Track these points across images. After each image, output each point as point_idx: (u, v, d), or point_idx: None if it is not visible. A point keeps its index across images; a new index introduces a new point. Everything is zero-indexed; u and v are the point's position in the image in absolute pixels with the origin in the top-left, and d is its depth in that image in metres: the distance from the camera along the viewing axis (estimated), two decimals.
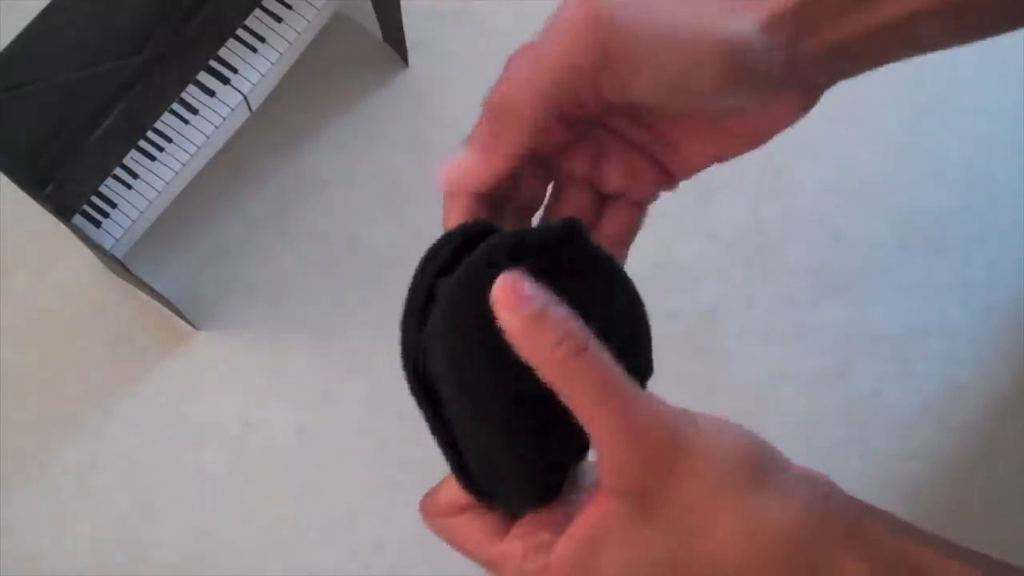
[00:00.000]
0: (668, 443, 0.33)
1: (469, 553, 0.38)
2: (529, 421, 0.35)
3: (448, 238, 0.38)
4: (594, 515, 0.35)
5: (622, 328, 0.36)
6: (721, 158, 0.40)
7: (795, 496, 0.34)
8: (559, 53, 0.36)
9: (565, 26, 0.36)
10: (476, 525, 0.38)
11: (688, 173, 0.41)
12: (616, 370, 0.33)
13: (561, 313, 0.33)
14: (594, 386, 0.33)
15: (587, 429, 0.34)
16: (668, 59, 0.35)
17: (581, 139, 0.40)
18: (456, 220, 0.39)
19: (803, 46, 0.36)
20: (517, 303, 0.33)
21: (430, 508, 0.39)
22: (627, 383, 0.33)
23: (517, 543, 0.36)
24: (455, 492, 0.38)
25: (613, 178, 0.40)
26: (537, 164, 0.40)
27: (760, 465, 0.34)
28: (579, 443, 0.36)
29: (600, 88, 0.36)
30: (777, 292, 0.88)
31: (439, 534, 0.39)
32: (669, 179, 0.41)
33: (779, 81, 0.37)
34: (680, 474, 0.33)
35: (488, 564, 0.38)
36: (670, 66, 0.35)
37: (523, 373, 0.34)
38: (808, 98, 0.39)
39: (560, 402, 0.34)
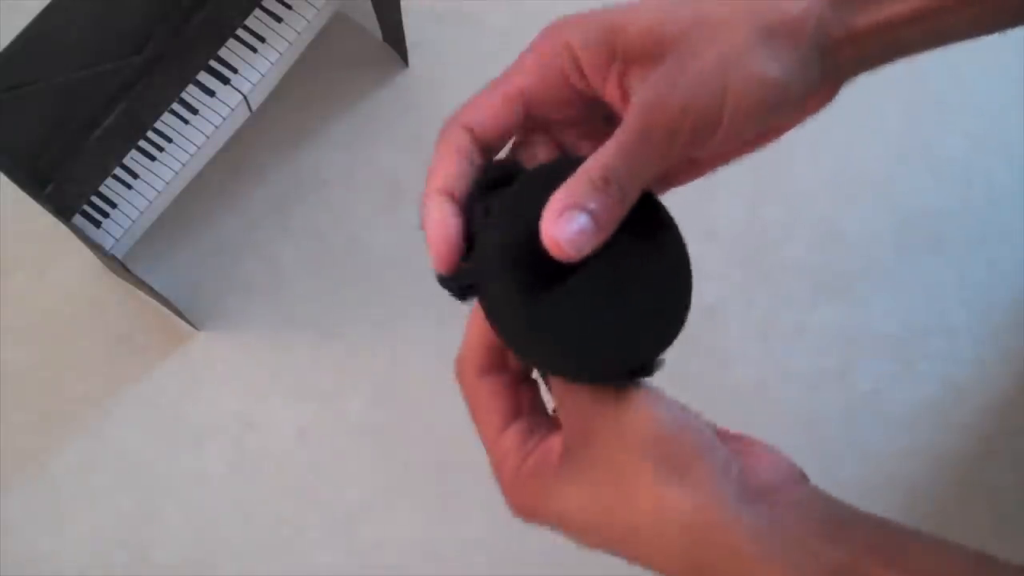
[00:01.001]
0: (586, 413, 0.36)
1: (479, 430, 0.40)
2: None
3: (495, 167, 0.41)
4: (544, 450, 0.37)
5: (664, 269, 0.39)
6: (735, 159, 0.41)
7: (706, 491, 0.35)
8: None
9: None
10: (493, 403, 0.39)
11: (699, 175, 0.42)
12: None
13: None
14: None
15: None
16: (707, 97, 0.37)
17: (589, 122, 0.41)
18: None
19: (856, 21, 0.37)
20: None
21: (461, 366, 0.40)
22: None
23: (509, 440, 0.38)
24: (479, 349, 0.40)
25: None
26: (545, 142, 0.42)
27: (673, 456, 0.35)
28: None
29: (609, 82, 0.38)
30: (777, 292, 0.88)
31: (465, 397, 0.40)
32: (668, 186, 0.42)
33: (824, 59, 0.37)
34: (595, 444, 0.36)
35: (486, 449, 0.40)
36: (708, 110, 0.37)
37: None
38: (834, 88, 0.40)
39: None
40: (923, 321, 0.88)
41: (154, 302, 0.84)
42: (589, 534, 0.37)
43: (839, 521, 0.36)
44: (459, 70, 0.91)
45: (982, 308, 0.89)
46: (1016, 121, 0.93)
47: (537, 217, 0.36)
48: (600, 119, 0.41)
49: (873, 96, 0.93)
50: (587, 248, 0.35)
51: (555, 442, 0.37)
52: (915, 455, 0.85)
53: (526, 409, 0.39)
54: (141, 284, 0.77)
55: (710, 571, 0.35)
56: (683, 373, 0.84)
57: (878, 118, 0.93)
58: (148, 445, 0.83)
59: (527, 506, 0.38)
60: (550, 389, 0.37)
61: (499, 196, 0.38)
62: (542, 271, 0.36)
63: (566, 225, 0.35)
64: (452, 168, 0.40)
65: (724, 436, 0.39)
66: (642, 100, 0.37)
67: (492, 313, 0.37)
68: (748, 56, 0.37)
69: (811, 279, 0.89)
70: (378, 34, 0.90)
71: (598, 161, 0.36)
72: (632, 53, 0.38)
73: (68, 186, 0.78)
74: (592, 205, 0.35)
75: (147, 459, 0.83)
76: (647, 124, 0.37)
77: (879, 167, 0.92)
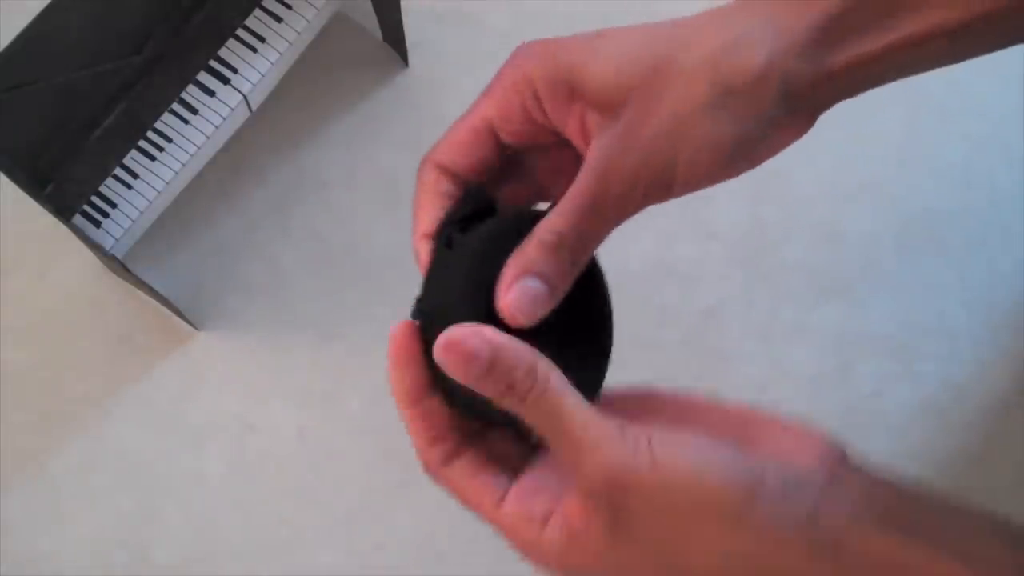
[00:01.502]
0: (616, 474, 0.34)
1: (474, 512, 0.39)
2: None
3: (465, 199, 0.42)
4: (573, 511, 0.36)
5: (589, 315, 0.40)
6: (714, 183, 0.41)
7: (773, 528, 0.34)
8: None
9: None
10: (474, 483, 0.39)
11: (675, 196, 0.41)
12: (567, 399, 0.35)
13: (508, 361, 0.34)
14: (548, 414, 0.35)
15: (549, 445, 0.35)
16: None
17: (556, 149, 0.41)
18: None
19: (827, 63, 0.37)
20: (465, 362, 0.35)
21: (426, 468, 0.41)
22: (578, 412, 0.34)
23: (512, 511, 0.37)
24: (432, 444, 0.40)
25: None
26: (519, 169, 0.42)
27: (734, 500, 0.34)
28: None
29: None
30: (777, 292, 0.88)
31: (446, 490, 0.40)
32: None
33: (794, 103, 0.37)
34: (634, 510, 0.34)
35: (491, 525, 0.39)
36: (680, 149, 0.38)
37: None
38: (810, 120, 0.39)
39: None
40: (923, 322, 0.88)
41: (154, 302, 0.84)
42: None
43: (892, 515, 0.35)
44: (459, 70, 0.91)
45: (982, 309, 0.89)
46: (1017, 123, 0.93)
47: (490, 278, 0.37)
48: (569, 151, 0.41)
49: (873, 97, 0.93)
50: (539, 313, 0.36)
51: (571, 506, 0.36)
52: (915, 455, 0.85)
53: (504, 477, 0.39)
54: (141, 284, 0.77)
55: None
56: (683, 373, 0.85)
57: (878, 119, 0.93)
58: (148, 445, 0.83)
59: (571, 564, 0.37)
60: (560, 455, 0.36)
61: (460, 243, 0.39)
62: (487, 319, 0.37)
63: (520, 294, 0.36)
64: (432, 212, 0.41)
65: (746, 421, 0.38)
66: (596, 160, 0.37)
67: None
68: (702, 116, 0.37)
69: (811, 279, 0.89)
70: (378, 34, 0.90)
71: (551, 225, 0.37)
72: (591, 98, 0.38)
73: (68, 186, 0.78)
74: (544, 270, 0.36)
75: (147, 459, 0.83)
76: (600, 189, 0.37)
77: (879, 168, 0.92)
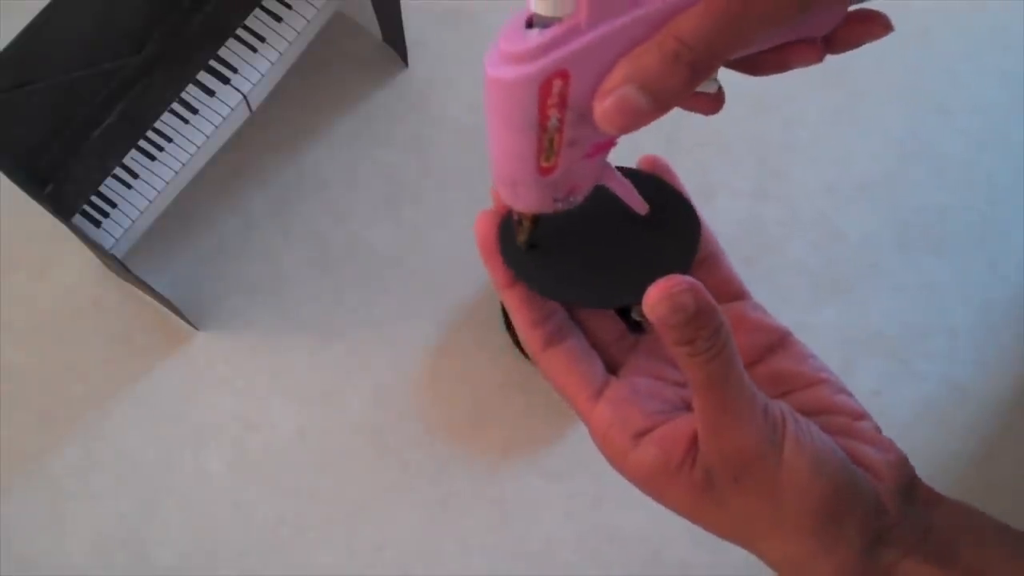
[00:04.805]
0: (745, 455, 0.35)
1: (569, 401, 0.39)
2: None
3: None
4: (680, 447, 0.36)
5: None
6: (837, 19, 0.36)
7: (843, 548, 0.36)
8: None
9: None
10: (572, 371, 0.39)
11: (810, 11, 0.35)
12: (733, 371, 0.35)
13: (705, 318, 0.34)
14: (709, 376, 0.34)
15: (693, 395, 0.36)
16: None
17: None
18: None
19: None
20: (670, 303, 0.34)
21: (528, 345, 0.40)
22: (736, 386, 0.35)
23: (607, 411, 0.38)
24: (529, 329, 0.40)
25: None
26: None
27: (827, 512, 0.36)
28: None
29: None
30: (777, 292, 0.88)
31: (544, 374, 0.40)
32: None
33: None
34: (743, 486, 0.36)
35: (579, 416, 0.39)
36: None
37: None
38: None
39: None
40: (923, 321, 0.88)
41: (154, 302, 0.84)
42: (719, 533, 0.38)
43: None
44: (459, 70, 0.91)
45: (982, 308, 0.89)
46: (1017, 121, 0.93)
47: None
48: None
49: (874, 97, 0.93)
50: (635, 127, 0.32)
51: (680, 445, 0.37)
52: (915, 455, 0.85)
53: (601, 370, 0.39)
54: (141, 284, 0.77)
55: None
56: None
57: (879, 119, 0.93)
58: (148, 445, 0.83)
59: (649, 488, 0.38)
60: (702, 416, 0.36)
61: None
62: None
63: (619, 103, 0.31)
64: None
65: (853, 417, 0.39)
66: None
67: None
68: None
69: (811, 279, 0.89)
70: (378, 34, 0.90)
71: (676, 29, 0.31)
72: None
73: (68, 186, 0.78)
74: (655, 80, 0.31)
75: (147, 459, 0.83)
76: None
77: (880, 167, 0.92)
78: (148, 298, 0.84)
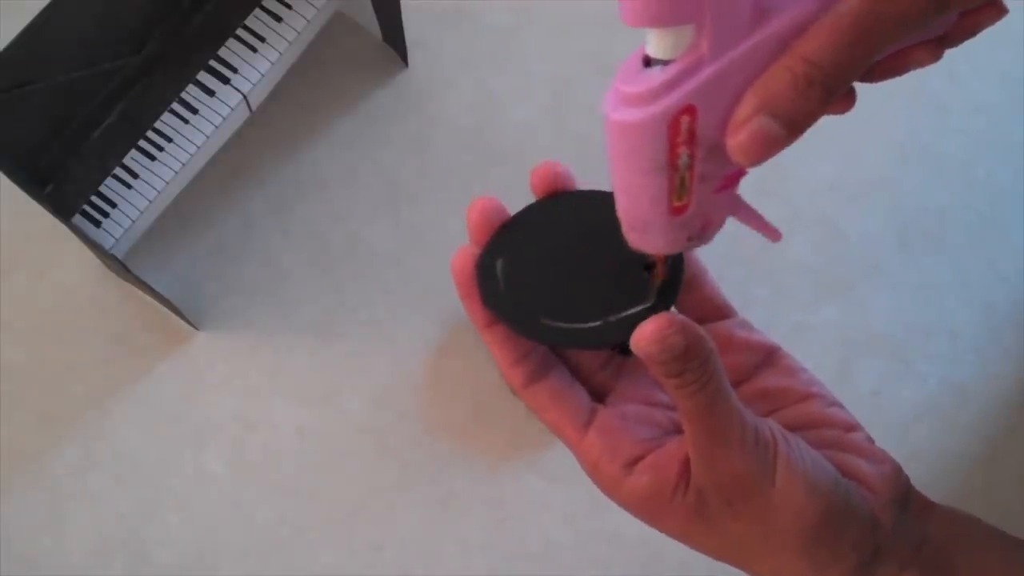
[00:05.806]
0: (738, 481, 0.35)
1: (558, 435, 0.39)
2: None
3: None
4: (672, 472, 0.36)
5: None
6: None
7: (838, 567, 0.36)
8: None
9: None
10: (557, 407, 0.39)
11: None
12: (721, 399, 0.35)
13: (694, 353, 0.34)
14: (697, 405, 0.34)
15: (683, 423, 0.35)
16: None
17: None
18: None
19: None
20: (660, 346, 0.34)
21: (511, 383, 0.40)
22: (725, 413, 0.35)
23: (597, 441, 0.38)
24: (512, 367, 0.39)
25: None
26: None
27: (820, 532, 0.36)
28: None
29: None
30: (777, 292, 0.88)
31: (531, 409, 0.40)
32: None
33: None
34: (737, 511, 0.36)
35: (568, 447, 0.39)
36: None
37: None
38: None
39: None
40: (923, 321, 0.88)
41: (154, 302, 0.84)
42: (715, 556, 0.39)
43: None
44: (459, 70, 0.91)
45: (982, 308, 0.89)
46: (1016, 121, 0.93)
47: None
48: None
49: (873, 96, 0.93)
50: (769, 156, 0.31)
51: (671, 470, 0.37)
52: (915, 455, 0.85)
53: (587, 402, 0.39)
54: (141, 284, 0.77)
55: None
56: None
57: (879, 119, 0.93)
58: (148, 445, 0.83)
59: (644, 515, 0.38)
60: (693, 443, 0.36)
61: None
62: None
63: (754, 134, 0.30)
64: None
65: (845, 429, 0.40)
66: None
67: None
68: None
69: (811, 279, 0.89)
70: (378, 34, 0.90)
71: (804, 51, 0.30)
72: None
73: (68, 186, 0.78)
74: (787, 107, 0.30)
75: (147, 459, 0.83)
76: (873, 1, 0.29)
77: (880, 167, 0.92)
78: (148, 298, 0.84)
